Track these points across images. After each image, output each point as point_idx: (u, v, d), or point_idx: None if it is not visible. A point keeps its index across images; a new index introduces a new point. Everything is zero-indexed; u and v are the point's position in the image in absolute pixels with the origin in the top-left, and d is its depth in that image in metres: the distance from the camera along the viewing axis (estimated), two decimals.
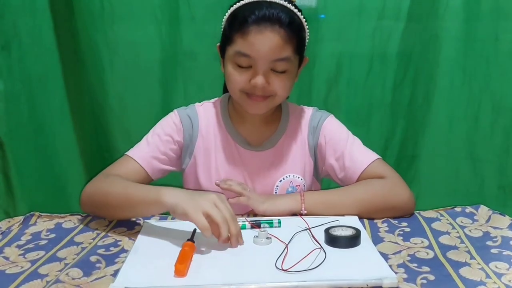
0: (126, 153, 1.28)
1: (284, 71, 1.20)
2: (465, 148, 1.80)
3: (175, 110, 1.33)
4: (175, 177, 1.37)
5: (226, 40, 1.22)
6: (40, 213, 1.22)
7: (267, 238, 1.02)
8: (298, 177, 1.32)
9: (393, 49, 1.74)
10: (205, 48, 1.69)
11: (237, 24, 1.18)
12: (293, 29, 1.18)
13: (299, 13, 1.22)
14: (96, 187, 1.20)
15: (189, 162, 1.33)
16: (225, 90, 1.40)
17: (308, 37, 1.27)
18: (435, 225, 1.14)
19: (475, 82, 1.74)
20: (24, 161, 1.71)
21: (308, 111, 1.38)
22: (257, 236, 1.02)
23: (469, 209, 1.23)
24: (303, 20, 1.23)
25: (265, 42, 1.15)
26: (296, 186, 1.31)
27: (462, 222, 1.16)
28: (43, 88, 1.70)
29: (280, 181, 1.31)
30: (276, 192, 1.31)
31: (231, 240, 1.00)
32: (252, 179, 1.31)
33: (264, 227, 1.09)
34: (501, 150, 1.75)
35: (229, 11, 1.24)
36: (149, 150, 1.28)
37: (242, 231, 1.05)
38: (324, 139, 1.33)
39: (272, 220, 1.11)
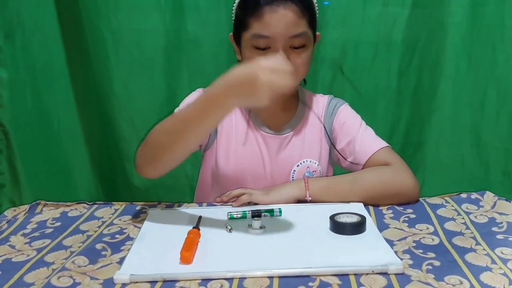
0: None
1: (303, 46, 1.22)
2: (471, 135, 1.79)
3: (199, 89, 1.34)
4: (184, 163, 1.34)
5: (240, 26, 1.23)
6: (46, 202, 1.22)
7: (260, 227, 1.01)
8: (315, 163, 1.33)
9: (399, 35, 1.73)
10: (209, 35, 1.68)
11: (250, 8, 1.19)
12: (304, 3, 1.20)
13: None
14: (148, 139, 1.11)
15: (213, 141, 1.33)
16: None
17: (317, 11, 1.28)
18: (440, 211, 1.14)
19: (481, 68, 1.73)
20: (29, 149, 1.71)
21: (325, 98, 1.40)
22: (251, 225, 1.02)
23: (474, 195, 1.22)
24: None
25: (280, 19, 1.17)
26: (313, 171, 1.32)
27: (468, 208, 1.16)
28: (47, 76, 1.69)
29: (298, 165, 1.32)
30: (293, 177, 1.32)
31: None
32: (270, 163, 1.32)
33: (264, 216, 1.09)
34: (507, 136, 1.74)
35: None
36: None
37: (241, 220, 1.06)
38: (338, 124, 1.34)
39: (272, 209, 1.11)
